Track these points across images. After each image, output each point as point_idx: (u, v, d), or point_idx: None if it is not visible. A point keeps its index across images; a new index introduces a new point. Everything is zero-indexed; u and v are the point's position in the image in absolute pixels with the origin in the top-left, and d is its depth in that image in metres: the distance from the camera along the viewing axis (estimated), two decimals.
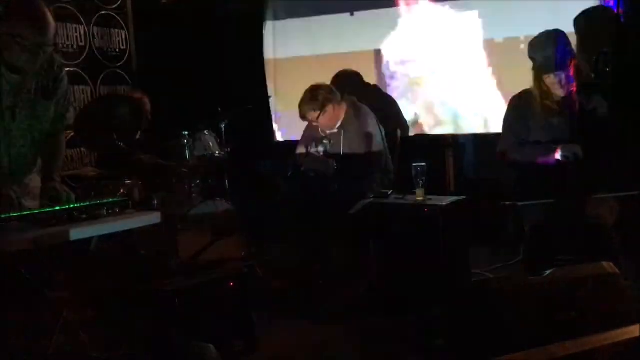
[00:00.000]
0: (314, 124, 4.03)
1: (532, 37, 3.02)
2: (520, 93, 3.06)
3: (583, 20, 3.69)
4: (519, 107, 3.02)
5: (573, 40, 3.29)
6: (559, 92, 2.90)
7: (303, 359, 2.87)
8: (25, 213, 2.24)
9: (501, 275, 3.67)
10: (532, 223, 2.79)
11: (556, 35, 2.92)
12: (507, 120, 3.08)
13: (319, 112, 3.92)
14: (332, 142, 3.96)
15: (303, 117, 4.03)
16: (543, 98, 2.91)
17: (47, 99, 2.51)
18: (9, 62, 2.34)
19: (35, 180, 2.64)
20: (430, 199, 3.41)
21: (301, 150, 4.13)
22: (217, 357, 1.76)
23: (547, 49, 2.88)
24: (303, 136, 4.26)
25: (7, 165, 2.45)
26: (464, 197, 3.53)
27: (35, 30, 2.28)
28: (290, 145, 4.52)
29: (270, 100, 5.18)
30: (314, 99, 3.92)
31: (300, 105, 3.99)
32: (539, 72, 2.92)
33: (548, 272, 1.98)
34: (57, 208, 2.29)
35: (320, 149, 3.93)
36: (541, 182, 2.81)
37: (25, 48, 2.29)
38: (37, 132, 2.53)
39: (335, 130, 4.01)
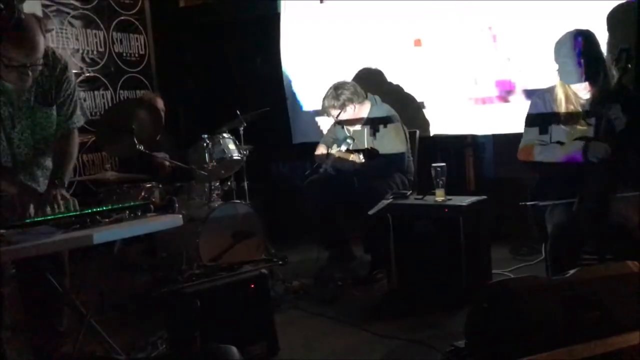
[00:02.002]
0: (336, 121, 4.04)
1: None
2: (542, 91, 2.97)
3: (612, 17, 3.45)
4: (541, 106, 2.93)
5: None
6: (585, 97, 2.81)
7: None
8: (50, 217, 2.26)
9: (523, 275, 3.64)
10: (554, 222, 2.75)
11: (577, 39, 2.72)
12: (528, 119, 3.00)
13: (339, 111, 3.93)
14: (355, 140, 3.96)
15: (325, 112, 4.04)
16: (567, 101, 2.83)
17: (47, 105, 2.49)
18: (2, 76, 2.32)
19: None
20: (450, 199, 3.39)
21: (322, 149, 4.15)
22: (239, 359, 1.76)
23: (567, 55, 2.73)
24: (325, 136, 4.27)
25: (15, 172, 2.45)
26: (485, 196, 3.51)
27: (22, 52, 2.25)
28: (308, 146, 4.53)
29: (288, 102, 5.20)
30: (336, 96, 3.94)
31: (323, 102, 4.01)
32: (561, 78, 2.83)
33: (571, 271, 1.96)
34: (78, 213, 2.31)
35: (343, 147, 3.94)
36: (563, 181, 2.77)
37: (13, 68, 2.26)
38: (40, 139, 2.52)
39: (359, 128, 4.02)
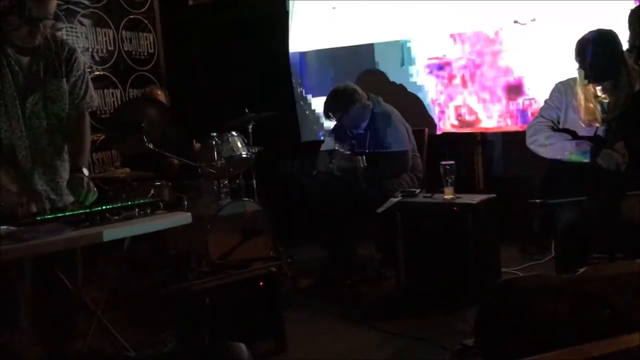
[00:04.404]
0: (338, 124, 4.04)
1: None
2: (568, 80, 2.88)
3: (633, 15, 3.32)
4: (562, 94, 2.88)
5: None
6: (605, 98, 2.78)
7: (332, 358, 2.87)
8: (59, 215, 2.27)
9: (532, 273, 3.62)
10: (564, 220, 2.74)
11: (595, 39, 2.67)
12: (546, 104, 2.95)
13: (342, 113, 3.93)
14: (359, 142, 3.96)
15: (327, 117, 4.05)
16: (587, 100, 2.80)
17: (57, 77, 2.52)
18: (14, 42, 2.37)
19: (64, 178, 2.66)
20: (459, 197, 3.38)
21: (324, 154, 4.14)
22: (248, 356, 1.77)
23: (584, 55, 2.68)
24: (329, 136, 4.27)
25: (27, 146, 2.46)
26: (494, 195, 3.50)
27: (35, 4, 2.30)
28: (317, 144, 4.53)
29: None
30: (338, 100, 3.93)
31: (325, 106, 4.01)
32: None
33: (581, 270, 1.95)
34: (88, 210, 2.32)
35: (347, 149, 3.94)
36: (573, 179, 2.75)
37: (26, 21, 2.31)
38: (52, 114, 2.53)
39: (362, 131, 4.02)
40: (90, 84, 2.67)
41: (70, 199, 2.56)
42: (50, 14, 2.38)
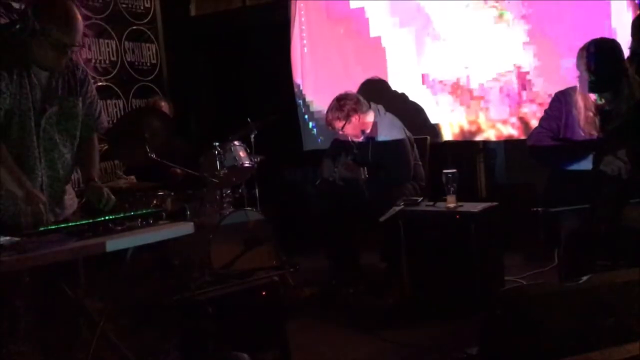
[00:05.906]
0: (341, 133, 4.04)
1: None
2: (568, 89, 2.90)
3: (636, 23, 3.31)
4: (561, 102, 2.89)
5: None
6: (605, 107, 2.78)
7: None
8: (62, 225, 2.28)
9: (536, 282, 3.62)
10: (567, 228, 2.73)
11: (596, 49, 2.69)
12: (546, 112, 2.96)
13: (344, 122, 3.94)
14: (361, 151, 3.96)
15: (329, 125, 4.06)
16: (587, 109, 2.79)
17: (73, 95, 2.58)
18: (38, 60, 2.43)
19: (67, 192, 2.68)
20: (462, 206, 3.38)
21: (327, 163, 4.14)
22: None
23: (585, 65, 2.69)
24: (331, 145, 4.28)
25: (36, 157, 2.49)
26: (496, 203, 3.49)
27: (63, 29, 2.37)
28: (319, 153, 4.54)
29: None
30: (340, 108, 3.94)
31: (327, 114, 4.03)
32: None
33: (585, 278, 1.95)
34: (91, 221, 2.33)
35: (349, 158, 3.94)
36: (576, 186, 2.75)
37: (53, 46, 2.37)
38: (65, 130, 2.58)
39: (364, 140, 4.02)
40: (101, 107, 2.76)
41: (70, 211, 2.63)
42: (78, 41, 2.45)
